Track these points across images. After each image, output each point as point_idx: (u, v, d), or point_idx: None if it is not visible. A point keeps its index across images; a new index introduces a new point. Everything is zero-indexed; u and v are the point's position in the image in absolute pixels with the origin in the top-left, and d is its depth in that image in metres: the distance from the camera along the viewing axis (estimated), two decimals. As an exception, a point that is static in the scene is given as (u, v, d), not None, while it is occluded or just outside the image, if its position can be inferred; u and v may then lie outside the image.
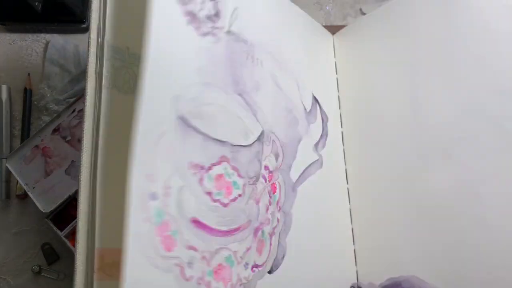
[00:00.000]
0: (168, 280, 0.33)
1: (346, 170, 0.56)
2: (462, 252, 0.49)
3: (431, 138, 0.50)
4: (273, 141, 0.46)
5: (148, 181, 0.33)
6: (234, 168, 0.40)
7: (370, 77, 0.58)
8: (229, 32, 0.43)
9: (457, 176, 0.48)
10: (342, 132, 0.56)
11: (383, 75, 0.56)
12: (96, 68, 0.37)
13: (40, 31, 0.65)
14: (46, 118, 0.60)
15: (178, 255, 0.34)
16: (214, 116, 0.39)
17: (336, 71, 0.59)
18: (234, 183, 0.40)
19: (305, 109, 0.51)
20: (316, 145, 0.51)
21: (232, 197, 0.40)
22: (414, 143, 0.51)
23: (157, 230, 0.33)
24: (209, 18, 0.41)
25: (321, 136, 0.53)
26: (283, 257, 0.44)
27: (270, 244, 0.43)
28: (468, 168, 0.47)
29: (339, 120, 0.57)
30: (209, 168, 0.38)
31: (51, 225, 0.55)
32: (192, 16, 0.39)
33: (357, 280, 0.52)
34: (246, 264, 0.40)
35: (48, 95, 0.60)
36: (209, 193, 0.38)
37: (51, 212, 0.55)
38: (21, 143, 0.59)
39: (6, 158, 0.56)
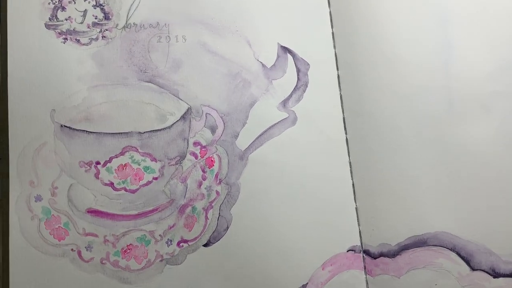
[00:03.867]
0: (64, 263, 0.41)
1: (344, 118, 0.49)
2: (501, 205, 0.45)
3: (465, 90, 0.47)
4: (207, 114, 0.46)
5: (31, 187, 0.41)
6: (145, 154, 0.44)
7: (382, 8, 0.50)
8: (126, 27, 0.45)
9: (497, 129, 0.46)
10: (338, 76, 0.49)
11: (401, 9, 0.49)
12: None
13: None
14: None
15: (72, 242, 0.42)
16: (107, 114, 0.43)
17: (328, 4, 0.51)
18: (146, 168, 0.44)
19: (263, 66, 0.48)
20: (285, 101, 0.48)
21: (143, 182, 0.44)
22: (443, 94, 0.47)
23: (45, 224, 0.42)
24: (96, 24, 0.45)
25: (295, 89, 0.48)
26: (226, 229, 0.45)
27: (206, 218, 0.45)
28: (509, 122, 0.45)
29: (334, 62, 0.50)
30: (107, 162, 0.43)
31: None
32: (68, 34, 0.44)
33: (361, 241, 0.46)
34: (169, 240, 0.44)
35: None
36: (110, 184, 0.43)
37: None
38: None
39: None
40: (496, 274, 0.44)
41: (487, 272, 0.45)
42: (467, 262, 0.46)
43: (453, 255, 0.46)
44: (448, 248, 0.46)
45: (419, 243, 0.46)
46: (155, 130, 0.43)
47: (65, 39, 0.43)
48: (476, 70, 0.47)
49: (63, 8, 0.43)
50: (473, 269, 0.45)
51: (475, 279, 0.45)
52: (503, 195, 0.45)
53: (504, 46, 0.47)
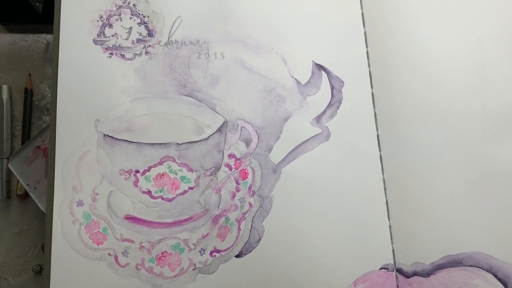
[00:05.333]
0: (101, 267, 0.43)
1: (378, 136, 0.49)
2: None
3: (500, 111, 0.48)
4: (242, 127, 0.47)
5: (74, 192, 0.44)
6: (182, 164, 0.45)
7: (417, 28, 0.51)
8: (168, 43, 0.48)
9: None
10: (372, 94, 0.50)
11: (437, 29, 0.51)
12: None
13: (41, 32, 0.64)
14: (47, 118, 0.60)
15: (110, 247, 0.43)
16: (147, 125, 0.46)
17: (363, 24, 0.52)
18: (183, 178, 0.45)
19: (297, 82, 0.49)
20: (319, 117, 0.49)
21: (180, 191, 0.45)
22: (478, 113, 0.48)
23: (85, 229, 0.43)
24: (140, 41, 0.47)
25: (329, 105, 0.49)
26: (258, 240, 0.45)
27: (239, 229, 0.46)
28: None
29: (369, 80, 0.51)
30: (146, 170, 0.45)
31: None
32: (113, 49, 0.47)
33: (394, 260, 0.46)
34: (203, 250, 0.45)
35: (49, 95, 0.59)
36: (147, 192, 0.45)
37: (52, 212, 0.49)
38: (21, 143, 0.59)
39: (7, 158, 0.57)
40: (534, 297, 0.43)
41: (525, 295, 0.44)
42: (504, 284, 0.44)
43: (490, 276, 0.45)
44: (484, 269, 0.45)
45: (454, 263, 0.46)
46: (192, 142, 0.45)
47: (111, 54, 0.45)
48: (511, 91, 0.47)
49: (110, 26, 0.46)
50: (510, 291, 0.44)
51: (513, 302, 0.44)
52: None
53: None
